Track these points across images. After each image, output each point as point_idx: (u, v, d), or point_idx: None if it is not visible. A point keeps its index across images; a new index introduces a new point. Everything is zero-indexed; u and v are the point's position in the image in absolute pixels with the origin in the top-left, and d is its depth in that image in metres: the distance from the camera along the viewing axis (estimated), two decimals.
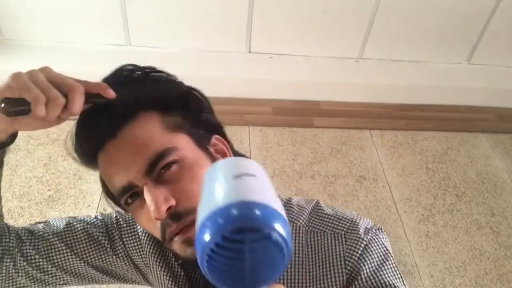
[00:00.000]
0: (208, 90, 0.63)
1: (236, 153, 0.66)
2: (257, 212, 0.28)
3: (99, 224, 0.69)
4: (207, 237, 0.28)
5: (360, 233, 0.60)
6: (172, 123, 0.57)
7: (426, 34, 2.33)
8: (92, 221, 0.70)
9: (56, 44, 2.21)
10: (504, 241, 1.76)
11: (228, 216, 0.28)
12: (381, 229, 0.63)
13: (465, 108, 2.41)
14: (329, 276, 0.59)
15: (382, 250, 0.60)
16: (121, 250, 0.68)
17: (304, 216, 0.64)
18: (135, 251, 0.68)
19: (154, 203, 0.51)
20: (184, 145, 0.56)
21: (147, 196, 0.52)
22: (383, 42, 2.35)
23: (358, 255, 0.59)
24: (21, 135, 2.12)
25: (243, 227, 0.27)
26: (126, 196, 0.55)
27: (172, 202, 0.52)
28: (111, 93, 0.52)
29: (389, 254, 0.60)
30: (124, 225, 0.70)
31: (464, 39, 2.38)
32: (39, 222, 0.68)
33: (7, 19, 2.13)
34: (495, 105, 2.44)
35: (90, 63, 2.18)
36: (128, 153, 0.53)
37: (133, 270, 0.69)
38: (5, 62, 2.12)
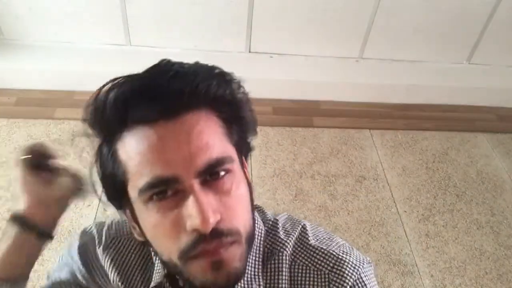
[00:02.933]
0: None
1: None
2: None
3: (69, 273, 0.68)
4: None
5: (344, 275, 0.56)
6: (229, 135, 0.51)
7: (426, 34, 2.33)
8: (62, 277, 0.68)
9: (56, 44, 2.21)
10: (504, 240, 1.76)
11: None
12: (370, 263, 0.60)
13: (465, 108, 2.41)
14: None
15: None
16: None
17: (290, 244, 0.60)
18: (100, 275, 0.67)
19: (204, 211, 0.44)
20: (236, 158, 0.51)
21: (196, 199, 0.45)
22: (383, 42, 2.35)
23: None
24: (21, 134, 2.10)
25: None
26: (153, 191, 0.46)
27: (219, 216, 0.46)
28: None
29: None
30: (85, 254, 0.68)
31: (464, 39, 2.39)
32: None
33: (7, 19, 2.13)
34: (495, 104, 2.45)
35: (90, 63, 2.18)
36: (190, 144, 0.46)
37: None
38: (5, 62, 2.12)
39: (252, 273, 0.56)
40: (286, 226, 0.62)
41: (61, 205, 0.64)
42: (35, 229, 0.59)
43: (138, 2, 2.10)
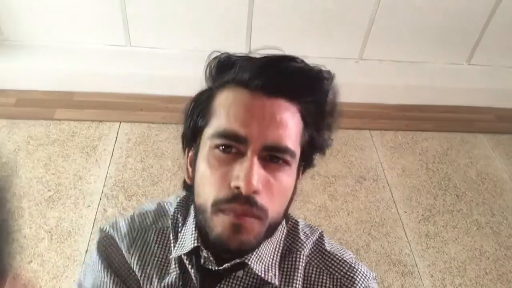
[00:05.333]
0: None
1: None
2: None
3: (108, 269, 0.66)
4: None
5: (356, 281, 0.61)
6: (302, 136, 0.57)
7: (426, 35, 2.33)
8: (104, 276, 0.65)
9: (56, 44, 2.21)
10: (504, 241, 1.76)
11: None
12: (375, 278, 0.64)
13: (465, 109, 2.41)
14: None
15: None
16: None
17: (308, 245, 0.64)
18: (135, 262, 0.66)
19: (252, 176, 0.49)
20: (297, 158, 0.57)
21: (249, 164, 0.50)
22: (383, 42, 2.35)
23: None
24: (21, 135, 2.11)
25: None
26: (223, 142, 0.52)
27: (260, 187, 0.51)
28: None
29: None
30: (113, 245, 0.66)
31: (464, 39, 2.39)
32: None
33: (7, 19, 2.13)
34: (495, 105, 2.45)
35: (90, 63, 2.19)
36: (271, 122, 0.52)
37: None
38: (5, 61, 2.12)
39: (270, 262, 0.60)
40: (305, 230, 0.67)
41: None
42: None
43: (138, 2, 2.11)
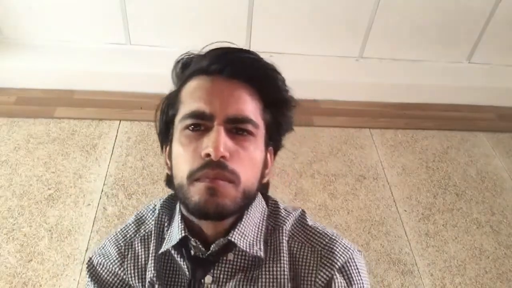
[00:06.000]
0: None
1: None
2: None
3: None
4: None
5: (335, 253, 0.62)
6: (263, 112, 0.63)
7: (426, 33, 2.33)
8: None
9: (56, 43, 2.21)
10: (504, 240, 1.76)
11: None
12: (360, 252, 0.65)
13: (465, 107, 2.41)
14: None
15: (354, 274, 0.61)
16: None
17: (289, 221, 0.67)
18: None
19: (219, 142, 0.54)
20: (262, 131, 0.62)
21: (216, 133, 0.55)
22: (384, 41, 2.34)
23: (330, 275, 0.60)
24: (21, 133, 2.11)
25: None
26: (191, 121, 0.58)
27: (228, 154, 0.55)
28: None
29: (361, 280, 0.61)
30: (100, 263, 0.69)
31: (464, 38, 2.38)
32: None
33: (6, 18, 2.13)
34: (495, 104, 2.44)
35: (90, 62, 2.18)
36: (230, 98, 0.58)
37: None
38: (4, 60, 2.12)
39: (254, 238, 0.62)
40: (287, 208, 0.70)
41: None
42: None
43: (138, 1, 2.10)
